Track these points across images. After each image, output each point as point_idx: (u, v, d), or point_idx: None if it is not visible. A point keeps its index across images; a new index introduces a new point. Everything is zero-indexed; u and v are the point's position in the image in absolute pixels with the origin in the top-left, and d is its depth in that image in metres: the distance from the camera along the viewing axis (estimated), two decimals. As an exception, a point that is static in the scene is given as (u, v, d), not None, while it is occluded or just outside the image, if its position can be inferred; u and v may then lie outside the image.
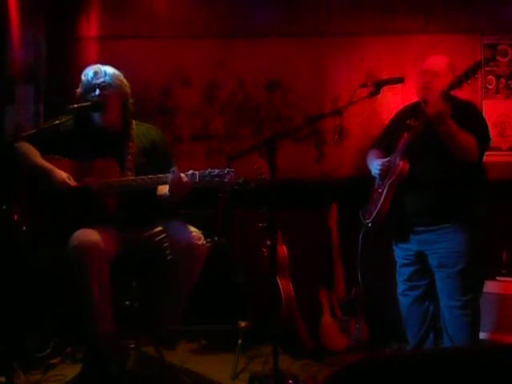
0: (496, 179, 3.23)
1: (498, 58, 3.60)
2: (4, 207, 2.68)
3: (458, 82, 2.42)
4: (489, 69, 3.60)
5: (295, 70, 3.71)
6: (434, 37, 3.60)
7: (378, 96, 2.45)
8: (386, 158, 2.76)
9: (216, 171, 2.35)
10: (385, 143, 2.86)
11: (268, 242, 3.10)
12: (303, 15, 3.69)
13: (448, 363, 1.19)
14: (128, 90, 2.59)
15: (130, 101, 2.60)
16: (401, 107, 2.98)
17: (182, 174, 2.37)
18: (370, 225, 2.75)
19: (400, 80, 2.49)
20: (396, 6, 3.67)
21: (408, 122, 2.62)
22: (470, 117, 2.60)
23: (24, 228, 2.74)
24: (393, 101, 3.37)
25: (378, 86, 2.39)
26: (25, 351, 2.79)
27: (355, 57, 3.68)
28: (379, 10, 3.67)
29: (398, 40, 3.66)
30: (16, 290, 2.84)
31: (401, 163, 2.60)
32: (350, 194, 3.30)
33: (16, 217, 2.78)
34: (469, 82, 2.40)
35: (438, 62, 2.68)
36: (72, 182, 2.42)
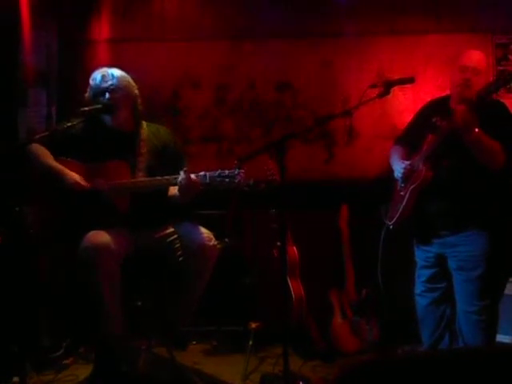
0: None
1: (510, 57, 3.58)
2: (17, 209, 2.70)
3: (487, 93, 2.34)
4: (501, 68, 3.57)
5: (305, 70, 3.71)
6: (445, 37, 3.58)
7: (389, 97, 2.41)
8: (409, 154, 2.69)
9: (226, 172, 2.36)
10: (409, 139, 2.76)
11: (278, 243, 3.10)
12: (313, 16, 3.69)
13: (459, 364, 1.18)
14: (136, 91, 2.61)
15: (139, 101, 2.62)
16: (426, 102, 2.86)
17: (193, 175, 2.37)
18: (391, 227, 2.72)
19: (410, 80, 2.45)
20: (406, 6, 3.66)
21: (434, 119, 2.49)
22: (497, 119, 2.51)
23: (36, 229, 2.76)
24: (403, 101, 3.35)
25: (387, 87, 2.36)
26: (38, 352, 2.82)
27: (366, 57, 3.67)
28: (389, 11, 3.66)
29: (408, 40, 3.65)
30: (28, 290, 2.86)
31: (424, 169, 2.53)
32: (361, 195, 3.29)
33: (29, 218, 2.80)
34: (498, 92, 2.34)
35: (479, 58, 2.57)
36: (84, 183, 2.44)
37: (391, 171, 2.76)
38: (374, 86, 2.41)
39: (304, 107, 3.71)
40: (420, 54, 3.59)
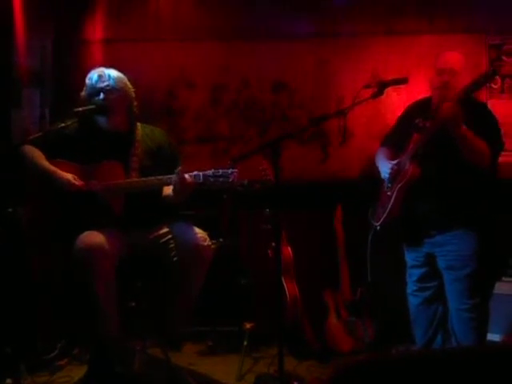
0: (501, 179, 3.21)
1: (504, 57, 3.59)
2: (10, 210, 2.70)
3: (472, 90, 2.36)
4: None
5: (300, 70, 3.71)
6: (439, 37, 3.59)
7: (383, 97, 2.42)
8: (395, 155, 2.72)
9: (220, 172, 2.36)
10: (395, 141, 2.80)
11: (273, 244, 3.11)
12: (308, 16, 3.70)
13: (452, 364, 1.19)
14: (132, 92, 2.61)
15: (135, 103, 2.62)
16: (410, 104, 2.90)
17: (186, 175, 2.37)
18: (378, 228, 2.73)
19: (404, 81, 2.46)
20: (401, 6, 3.66)
21: (416, 121, 2.55)
22: (483, 119, 2.54)
23: (31, 230, 2.76)
24: (397, 101, 3.36)
25: (381, 87, 2.36)
26: (32, 353, 2.81)
27: (360, 57, 3.68)
28: (384, 11, 3.67)
29: (403, 41, 3.66)
30: (23, 291, 2.85)
31: (411, 167, 2.55)
32: (355, 195, 3.29)
33: (23, 219, 2.80)
34: (482, 88, 2.35)
35: (456, 59, 2.61)
36: (78, 182, 2.44)
37: (377, 172, 2.78)
38: (368, 87, 2.41)
39: (300, 107, 3.71)
40: (414, 54, 3.60)
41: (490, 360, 1.20)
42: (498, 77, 3.55)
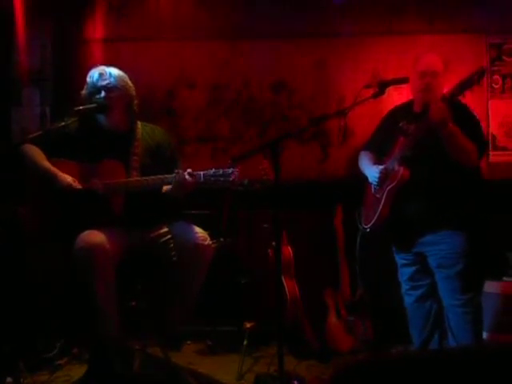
0: (502, 179, 3.22)
1: (504, 57, 3.59)
2: (12, 209, 2.70)
3: (460, 90, 2.38)
4: (495, 68, 3.59)
5: (300, 70, 3.72)
6: (439, 37, 3.60)
7: (384, 96, 2.42)
8: (378, 159, 2.75)
9: (221, 171, 2.36)
10: (377, 145, 2.83)
11: (273, 243, 3.11)
12: (308, 16, 3.70)
13: (451, 364, 1.19)
14: (133, 91, 2.60)
15: (135, 102, 2.61)
16: (391, 109, 2.94)
17: (187, 174, 2.37)
18: (368, 230, 2.74)
19: (404, 80, 2.47)
20: (401, 6, 3.67)
21: (401, 124, 2.57)
22: (465, 120, 2.56)
23: (32, 229, 2.76)
24: (398, 101, 3.35)
25: (382, 87, 2.37)
26: (32, 352, 2.81)
27: (360, 57, 3.68)
28: (384, 11, 3.68)
29: (403, 40, 3.66)
30: (23, 291, 2.85)
31: (401, 169, 2.56)
32: (356, 195, 3.29)
33: (23, 218, 2.80)
34: (472, 89, 2.36)
35: (435, 61, 2.65)
36: (77, 185, 2.43)
37: (360, 175, 2.79)
38: (368, 87, 2.42)
39: (299, 107, 3.71)
40: (414, 54, 3.59)
41: (489, 360, 1.20)
42: (499, 77, 3.56)
